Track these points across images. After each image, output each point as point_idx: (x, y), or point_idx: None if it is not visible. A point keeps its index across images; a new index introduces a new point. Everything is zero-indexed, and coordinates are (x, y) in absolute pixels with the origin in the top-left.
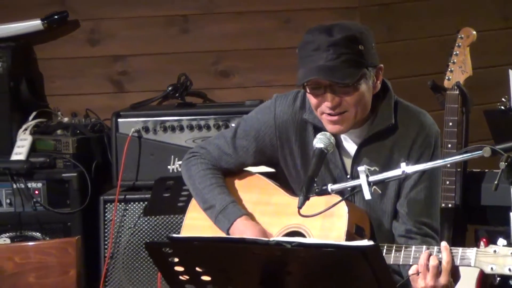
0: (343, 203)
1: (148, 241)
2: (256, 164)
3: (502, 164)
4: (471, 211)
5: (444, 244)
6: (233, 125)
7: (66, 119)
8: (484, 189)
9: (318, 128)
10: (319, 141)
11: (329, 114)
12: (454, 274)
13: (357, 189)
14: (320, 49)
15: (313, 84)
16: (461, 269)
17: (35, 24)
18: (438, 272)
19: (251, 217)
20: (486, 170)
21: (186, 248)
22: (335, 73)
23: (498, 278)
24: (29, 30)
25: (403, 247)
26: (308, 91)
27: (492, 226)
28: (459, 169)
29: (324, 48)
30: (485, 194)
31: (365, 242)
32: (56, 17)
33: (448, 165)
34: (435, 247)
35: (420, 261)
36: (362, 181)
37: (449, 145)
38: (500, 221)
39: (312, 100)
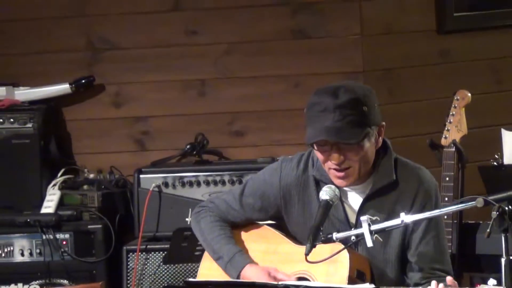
0: (345, 252)
1: (166, 285)
2: (261, 220)
3: (494, 214)
4: (467, 260)
5: (449, 278)
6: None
7: (92, 175)
8: (478, 239)
9: (320, 184)
10: (325, 194)
11: (335, 170)
12: None
13: (360, 237)
14: (327, 110)
15: (321, 142)
16: None
17: (63, 88)
18: None
19: (256, 264)
20: (480, 222)
21: None
22: (341, 133)
23: None
24: (58, 93)
25: None
26: (316, 148)
27: (486, 273)
28: (455, 221)
29: (331, 110)
30: (479, 243)
31: (367, 285)
32: (83, 81)
33: (445, 217)
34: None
35: None
36: (365, 229)
37: (446, 199)
38: (493, 269)
39: (319, 156)
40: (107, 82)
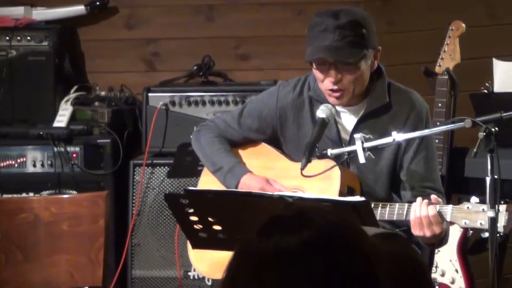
0: (337, 168)
1: (167, 193)
2: (257, 139)
3: (481, 134)
4: (456, 182)
5: (433, 196)
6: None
7: (103, 93)
8: (467, 163)
9: (315, 104)
10: (321, 112)
11: (331, 90)
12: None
13: (353, 154)
14: (327, 30)
15: (319, 61)
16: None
17: (79, 9)
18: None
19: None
20: (469, 147)
21: (200, 199)
22: (340, 52)
23: (471, 231)
24: (73, 14)
25: (388, 205)
26: (314, 66)
27: (473, 194)
28: (446, 145)
29: (331, 30)
30: (468, 167)
31: (357, 198)
32: (97, 3)
33: (437, 141)
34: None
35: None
36: (358, 146)
37: (438, 124)
38: (480, 191)
39: (317, 74)
40: (121, 4)
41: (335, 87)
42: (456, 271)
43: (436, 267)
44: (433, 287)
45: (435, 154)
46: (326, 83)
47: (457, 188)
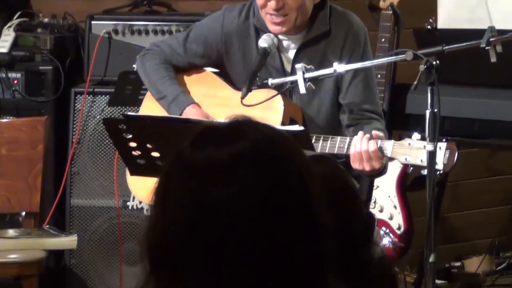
0: (280, 98)
1: (105, 118)
2: (203, 66)
3: (422, 67)
4: (397, 118)
5: (374, 132)
6: None
7: (46, 20)
8: (408, 99)
9: (260, 33)
10: (263, 41)
11: (273, 15)
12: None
13: (294, 84)
14: None
15: None
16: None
17: None
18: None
19: (199, 106)
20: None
21: (139, 125)
22: None
23: (411, 168)
24: None
25: (330, 138)
26: None
27: (414, 131)
28: (388, 82)
29: None
30: (410, 103)
31: (296, 127)
32: None
33: (379, 76)
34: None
35: (355, 147)
36: (299, 77)
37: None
38: (421, 128)
39: (258, 1)
40: None
41: (277, 14)
42: (395, 207)
43: (374, 202)
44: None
45: (374, 78)
46: (267, 9)
47: (398, 124)
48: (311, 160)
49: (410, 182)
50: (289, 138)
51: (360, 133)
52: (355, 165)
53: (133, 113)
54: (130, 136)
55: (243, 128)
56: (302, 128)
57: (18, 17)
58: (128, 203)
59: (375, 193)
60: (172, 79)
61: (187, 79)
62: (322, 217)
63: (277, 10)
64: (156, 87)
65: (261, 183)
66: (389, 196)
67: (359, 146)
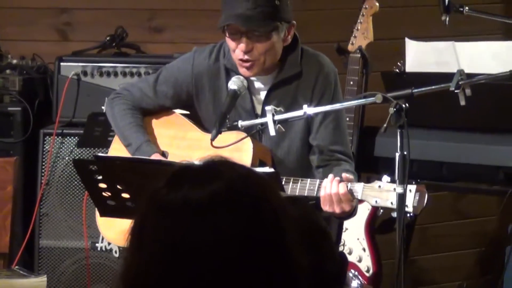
0: (249, 140)
1: (76, 158)
2: (174, 107)
3: (391, 110)
4: (365, 161)
5: (344, 174)
6: None
7: (14, 61)
8: (377, 142)
9: (230, 73)
10: (233, 83)
11: (242, 60)
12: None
13: (264, 126)
14: None
15: (231, 29)
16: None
17: None
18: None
19: (166, 151)
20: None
21: (109, 166)
22: (252, 21)
23: (381, 210)
24: None
25: (300, 180)
26: (227, 35)
27: (383, 174)
28: (357, 125)
29: None
30: (378, 146)
31: (266, 169)
32: None
33: (348, 119)
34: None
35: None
36: (268, 119)
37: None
38: (389, 170)
39: (229, 43)
40: None
41: (246, 57)
42: (364, 249)
43: (343, 245)
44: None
45: (344, 119)
46: (237, 52)
47: (366, 166)
48: (289, 201)
49: (379, 225)
50: (264, 178)
51: (330, 175)
52: (325, 207)
53: (103, 154)
54: (100, 177)
55: (218, 168)
56: (272, 170)
57: None
58: (97, 244)
59: (344, 235)
60: (138, 126)
61: (156, 121)
62: (297, 257)
63: (246, 53)
64: (123, 133)
65: (237, 222)
66: (358, 239)
67: (329, 188)
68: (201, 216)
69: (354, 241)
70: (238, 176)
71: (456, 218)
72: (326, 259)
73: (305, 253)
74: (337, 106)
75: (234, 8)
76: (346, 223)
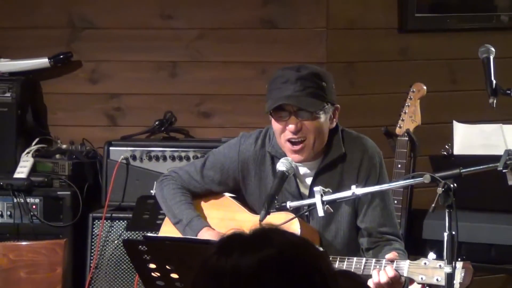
0: (297, 221)
1: (126, 238)
2: (221, 192)
3: (439, 190)
4: (414, 244)
5: (392, 253)
6: None
7: (64, 146)
8: (425, 225)
9: (275, 160)
10: (282, 165)
11: (291, 143)
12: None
13: (312, 207)
14: (289, 81)
15: (280, 112)
16: None
17: (42, 62)
18: (394, 281)
19: (213, 229)
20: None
21: (159, 247)
22: (301, 100)
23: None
24: (37, 66)
25: (346, 259)
26: (274, 118)
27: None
28: (405, 207)
29: (293, 81)
30: (426, 229)
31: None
32: (61, 56)
33: (396, 202)
34: (373, 260)
35: (374, 279)
36: (317, 199)
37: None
38: (437, 251)
39: (276, 126)
40: (85, 59)
41: (296, 137)
42: None
43: None
44: None
45: (391, 199)
46: (286, 134)
47: (415, 249)
48: (339, 273)
49: None
50: (315, 247)
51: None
52: None
53: (152, 235)
54: (149, 257)
55: (269, 235)
56: (321, 249)
57: (36, 143)
58: None
59: None
60: (188, 204)
61: (203, 203)
62: None
63: (296, 132)
64: (173, 211)
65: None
66: None
67: (377, 278)
68: (249, 282)
69: None
70: (289, 243)
71: None
72: None
73: None
74: (385, 186)
75: (282, 91)
76: None
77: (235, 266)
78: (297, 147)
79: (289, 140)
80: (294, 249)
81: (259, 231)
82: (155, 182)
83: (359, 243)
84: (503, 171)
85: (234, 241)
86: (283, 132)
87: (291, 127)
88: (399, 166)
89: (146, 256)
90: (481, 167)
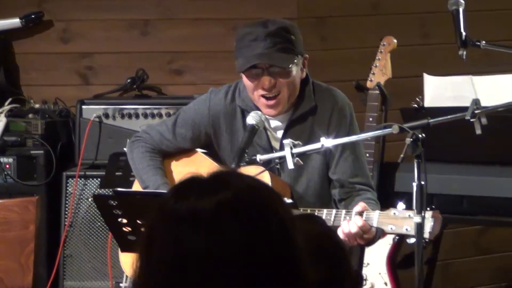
0: (268, 174)
1: (96, 194)
2: (193, 148)
3: (408, 140)
4: (386, 196)
5: (361, 204)
6: None
7: (37, 106)
8: (397, 177)
9: (245, 114)
10: (251, 119)
11: (266, 98)
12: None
13: (282, 160)
14: (258, 39)
15: (252, 70)
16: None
17: (13, 22)
18: (364, 231)
19: None
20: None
21: (129, 201)
22: (273, 58)
23: (397, 238)
24: (8, 27)
25: (316, 210)
26: (247, 76)
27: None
28: (376, 161)
29: (262, 38)
30: (398, 181)
31: (285, 200)
32: (32, 16)
33: (367, 155)
34: (343, 211)
35: (344, 229)
36: (286, 152)
37: (369, 138)
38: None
39: (249, 85)
40: (56, 18)
41: (270, 94)
42: (386, 284)
43: (365, 280)
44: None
45: (363, 151)
46: (260, 90)
47: (387, 202)
48: (302, 217)
49: (401, 260)
50: (273, 190)
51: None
52: (348, 242)
53: (123, 189)
54: (120, 212)
55: (226, 178)
56: (290, 200)
57: (9, 103)
58: (121, 284)
59: (366, 270)
60: (156, 168)
61: (176, 162)
62: (306, 271)
63: (270, 89)
64: (140, 176)
65: (243, 232)
66: (379, 273)
67: (347, 228)
68: (207, 226)
69: (376, 276)
70: (246, 186)
71: (478, 254)
72: (343, 275)
73: (319, 268)
74: (354, 137)
75: (252, 50)
76: (368, 258)
77: (192, 209)
78: (272, 102)
79: (263, 96)
80: (250, 192)
81: (216, 175)
82: (127, 140)
83: (331, 195)
84: (471, 120)
85: (191, 184)
86: (256, 89)
87: (265, 84)
88: (370, 119)
89: (116, 211)
90: (449, 116)
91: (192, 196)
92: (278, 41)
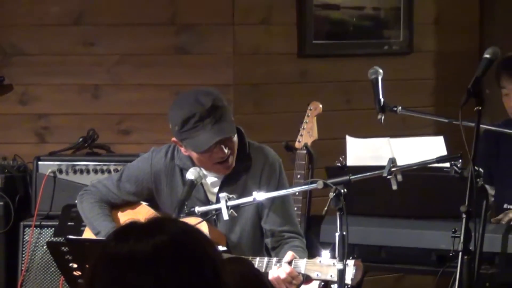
0: (205, 224)
1: (49, 241)
2: (137, 201)
3: (331, 194)
4: (312, 247)
5: (290, 253)
6: None
7: None
8: (322, 229)
9: (184, 172)
10: (190, 174)
11: (221, 163)
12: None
13: (218, 211)
14: (203, 118)
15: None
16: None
17: None
18: (293, 276)
19: None
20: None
21: (79, 247)
22: (225, 130)
23: (322, 283)
24: None
25: (249, 258)
26: (202, 153)
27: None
28: (304, 213)
29: (205, 116)
30: (323, 233)
31: (220, 247)
32: None
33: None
34: (274, 259)
35: (274, 274)
36: (222, 204)
37: (297, 193)
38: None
39: (204, 160)
40: (15, 82)
41: (228, 158)
42: None
43: None
44: None
45: (291, 202)
46: (214, 159)
47: (314, 252)
48: (230, 260)
49: None
50: (204, 235)
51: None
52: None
53: (74, 237)
54: (71, 257)
55: (162, 222)
56: (224, 248)
57: None
58: None
59: None
60: (105, 215)
61: (121, 213)
62: None
63: (227, 156)
64: (92, 223)
65: (178, 273)
66: None
67: (276, 274)
68: (145, 267)
69: None
70: (180, 230)
71: None
72: None
73: None
74: (283, 192)
75: (205, 128)
76: None
77: (131, 252)
78: (228, 163)
79: (219, 163)
80: (184, 236)
81: (153, 219)
82: (77, 196)
83: (263, 243)
84: (388, 177)
85: (130, 228)
86: (210, 161)
87: (223, 153)
88: (298, 176)
89: (68, 256)
90: (368, 174)
91: (131, 239)
92: (218, 113)
